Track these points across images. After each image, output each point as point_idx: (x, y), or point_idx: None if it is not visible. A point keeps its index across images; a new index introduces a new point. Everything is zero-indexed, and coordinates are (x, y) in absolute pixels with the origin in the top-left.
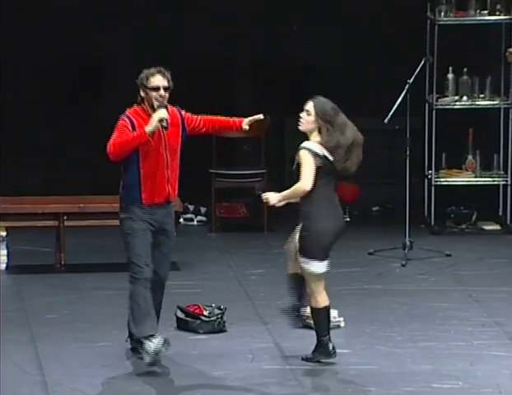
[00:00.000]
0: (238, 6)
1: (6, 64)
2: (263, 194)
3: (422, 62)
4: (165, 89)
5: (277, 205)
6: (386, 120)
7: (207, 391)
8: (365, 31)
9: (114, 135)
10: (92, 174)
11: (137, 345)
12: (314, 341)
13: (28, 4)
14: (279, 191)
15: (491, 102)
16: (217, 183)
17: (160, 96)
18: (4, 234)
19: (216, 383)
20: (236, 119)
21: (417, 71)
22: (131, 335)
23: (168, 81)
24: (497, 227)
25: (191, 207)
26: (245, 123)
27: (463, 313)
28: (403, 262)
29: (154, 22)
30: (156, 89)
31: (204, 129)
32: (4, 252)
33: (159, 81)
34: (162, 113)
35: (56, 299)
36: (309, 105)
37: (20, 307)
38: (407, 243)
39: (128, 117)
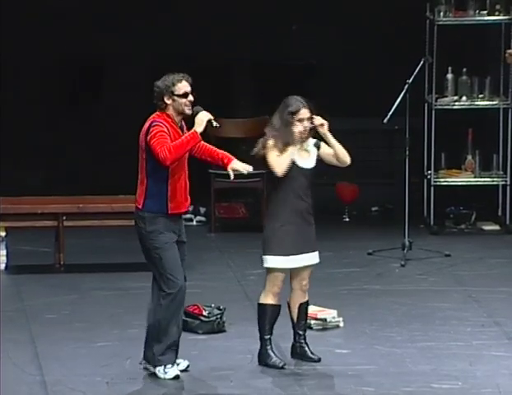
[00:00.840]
0: (238, 6)
1: (6, 64)
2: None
3: (422, 63)
4: (192, 94)
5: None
6: (385, 120)
7: (207, 391)
8: (364, 31)
9: (158, 141)
10: (92, 175)
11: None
12: (314, 340)
13: (28, 4)
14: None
15: (491, 102)
16: (217, 184)
17: (190, 102)
18: (3, 234)
19: (215, 384)
20: (225, 155)
21: (417, 71)
22: (146, 356)
23: (191, 86)
24: (496, 227)
25: (190, 207)
26: (231, 167)
27: (462, 314)
28: (403, 263)
29: (154, 22)
30: (185, 95)
31: (200, 152)
32: (3, 252)
33: (186, 87)
34: (207, 114)
35: (55, 299)
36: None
37: (20, 307)
38: (407, 243)
39: (161, 122)
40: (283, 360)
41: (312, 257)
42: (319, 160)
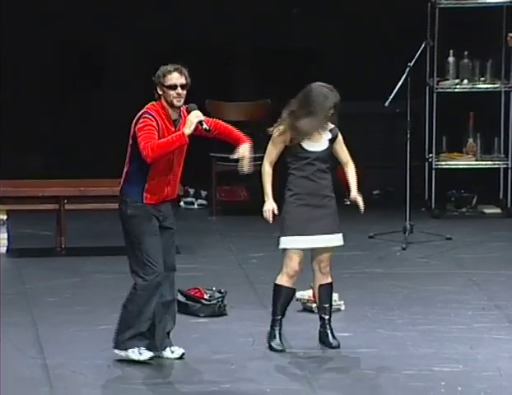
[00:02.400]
0: None
1: (7, 51)
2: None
3: (423, 46)
4: (183, 86)
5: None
6: (386, 103)
7: (208, 374)
8: (365, 15)
9: (145, 135)
10: (92, 158)
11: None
12: (314, 324)
13: None
14: (279, 174)
15: (492, 85)
16: (218, 167)
17: (178, 94)
18: (4, 217)
19: (216, 367)
20: (239, 136)
21: (418, 54)
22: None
23: (185, 78)
24: (498, 211)
25: (191, 191)
26: (239, 153)
27: (463, 297)
28: (404, 246)
29: (154, 7)
30: (174, 87)
31: (215, 133)
32: (4, 235)
33: (176, 78)
34: (198, 114)
35: (56, 282)
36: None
37: (21, 290)
38: (408, 226)
39: (151, 115)
40: (284, 345)
41: (328, 240)
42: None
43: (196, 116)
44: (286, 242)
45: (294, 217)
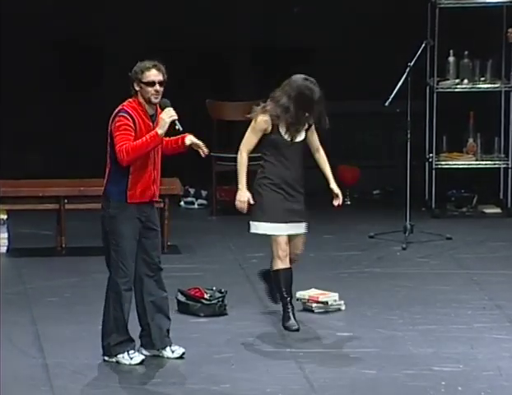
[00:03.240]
0: None
1: (7, 48)
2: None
3: (423, 46)
4: (161, 83)
5: None
6: (387, 103)
7: (208, 374)
8: (365, 14)
9: (120, 136)
10: (92, 158)
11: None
12: (314, 324)
13: None
14: None
15: (492, 85)
16: (218, 167)
17: (156, 92)
18: (5, 217)
19: (216, 367)
20: (180, 137)
21: (418, 54)
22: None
23: (163, 75)
24: (498, 210)
25: (192, 191)
26: (188, 138)
27: (463, 297)
28: (404, 246)
29: (154, 6)
30: (152, 84)
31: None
32: (5, 235)
33: (154, 75)
34: (171, 114)
35: (57, 282)
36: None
37: (21, 290)
38: (408, 226)
39: (128, 113)
40: (298, 324)
41: (299, 227)
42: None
43: (169, 115)
44: (270, 228)
45: (273, 205)
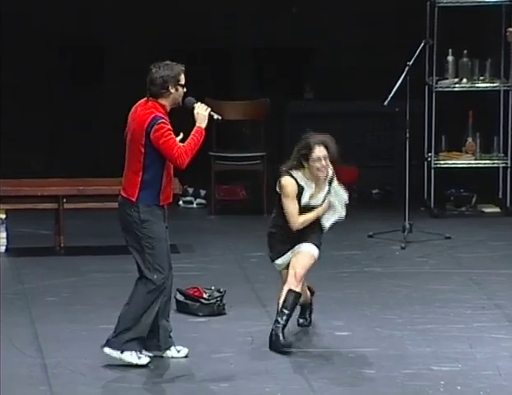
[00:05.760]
0: None
1: (8, 47)
2: None
3: (422, 45)
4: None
5: None
6: (386, 102)
7: (207, 373)
8: (365, 14)
9: (170, 142)
10: (92, 158)
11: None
12: (314, 322)
13: None
14: (278, 174)
15: (491, 84)
16: (217, 166)
17: (184, 94)
18: (4, 216)
19: (215, 366)
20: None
21: (417, 53)
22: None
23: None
24: (497, 210)
25: (190, 190)
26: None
27: (462, 296)
28: (403, 245)
29: (154, 5)
30: (184, 86)
31: None
32: (4, 234)
33: (184, 78)
34: (205, 107)
35: (55, 281)
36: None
37: (20, 289)
38: (407, 225)
39: (163, 119)
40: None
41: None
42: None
43: (205, 109)
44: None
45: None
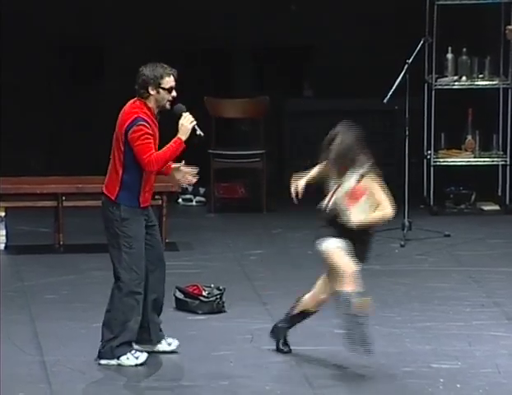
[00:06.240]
0: None
1: (8, 47)
2: None
3: (422, 43)
4: (175, 90)
5: None
6: (385, 100)
7: (207, 371)
8: (364, 12)
9: (144, 146)
10: (92, 158)
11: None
12: (312, 322)
13: None
14: (277, 171)
15: (491, 82)
16: (216, 164)
17: (173, 98)
18: (3, 214)
19: (215, 364)
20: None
21: (417, 51)
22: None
23: (176, 82)
24: (496, 207)
25: (190, 188)
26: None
27: (461, 294)
28: (402, 243)
29: (154, 5)
30: (170, 90)
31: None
32: (3, 232)
33: (172, 82)
34: (191, 119)
35: (55, 279)
36: None
37: (19, 287)
38: (406, 223)
39: (145, 121)
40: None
41: None
42: None
43: (189, 121)
44: None
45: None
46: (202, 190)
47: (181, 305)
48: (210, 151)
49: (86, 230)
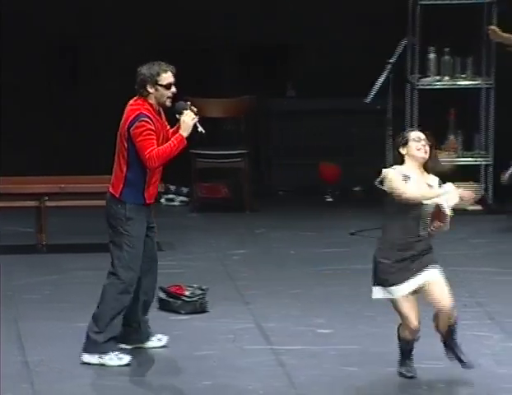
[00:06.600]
0: None
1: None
2: None
3: (404, 43)
4: (175, 86)
5: None
6: (368, 100)
7: (189, 371)
8: (347, 11)
9: (146, 142)
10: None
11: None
12: (294, 320)
13: None
14: (258, 171)
15: (473, 82)
16: (198, 164)
17: (173, 94)
18: None
19: (197, 364)
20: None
21: (399, 51)
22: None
23: (175, 78)
24: (479, 207)
25: (172, 188)
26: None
27: None
28: None
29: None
30: (169, 87)
31: None
32: None
33: (171, 78)
34: (193, 116)
35: (37, 279)
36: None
37: (2, 287)
38: None
39: (148, 117)
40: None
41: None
42: None
43: (191, 118)
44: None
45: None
46: (184, 190)
47: (164, 305)
48: (192, 150)
49: (68, 230)
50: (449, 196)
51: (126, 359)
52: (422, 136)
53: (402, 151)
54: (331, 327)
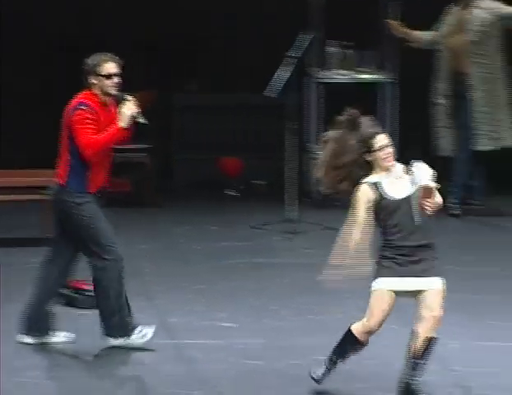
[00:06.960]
0: None
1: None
2: None
3: (305, 37)
4: (118, 75)
5: None
6: (274, 94)
7: (89, 366)
8: (248, 7)
9: (83, 131)
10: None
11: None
12: (199, 315)
13: None
14: (162, 166)
15: (375, 76)
16: None
17: (115, 84)
18: None
19: (99, 360)
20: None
21: (301, 45)
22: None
23: (119, 67)
24: None
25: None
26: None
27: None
28: (289, 236)
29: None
30: (110, 76)
31: None
32: None
33: (112, 68)
34: (130, 106)
35: None
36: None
37: None
38: (292, 217)
39: (87, 106)
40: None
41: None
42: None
43: (128, 108)
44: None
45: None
46: None
47: (66, 300)
48: None
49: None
50: (422, 172)
51: (149, 332)
52: (385, 140)
53: (368, 157)
54: (235, 322)
